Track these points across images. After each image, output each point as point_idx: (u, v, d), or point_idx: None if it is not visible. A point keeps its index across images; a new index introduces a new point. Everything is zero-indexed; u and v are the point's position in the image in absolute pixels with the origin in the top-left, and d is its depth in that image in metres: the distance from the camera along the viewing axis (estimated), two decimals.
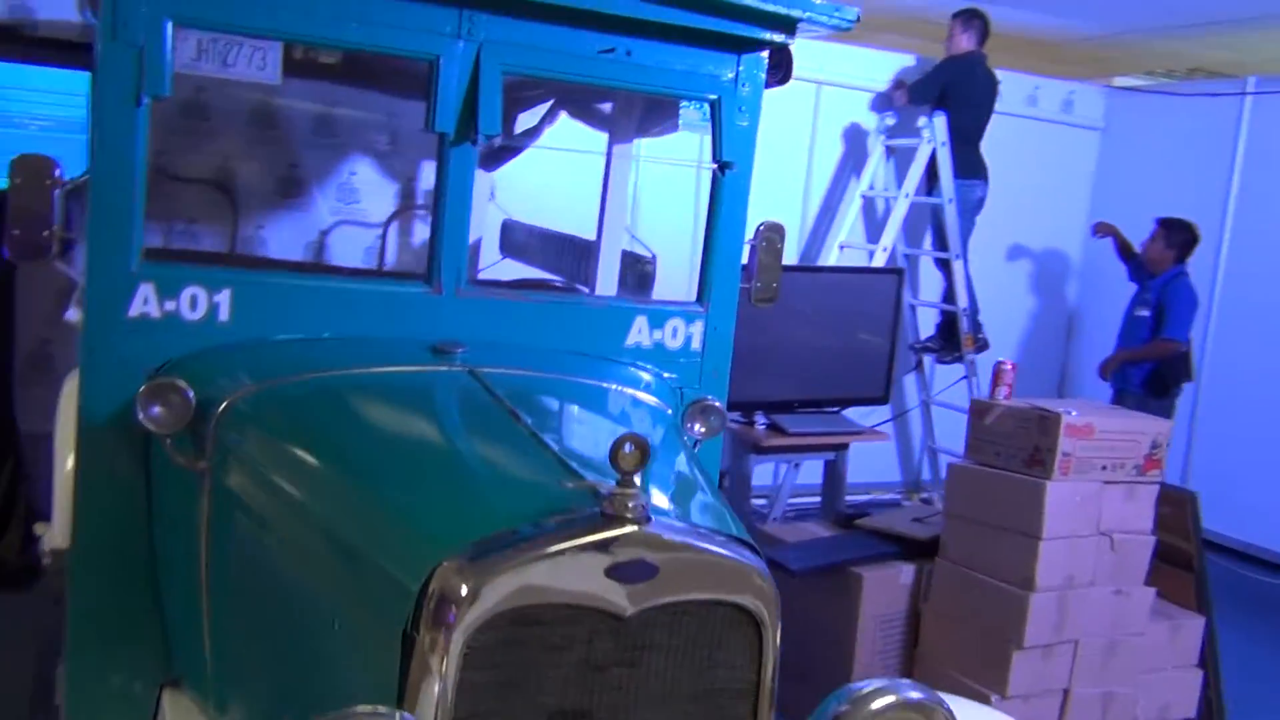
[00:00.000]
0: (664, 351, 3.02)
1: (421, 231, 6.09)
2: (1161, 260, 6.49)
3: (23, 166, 2.48)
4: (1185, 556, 4.10)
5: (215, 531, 2.34)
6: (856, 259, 6.83)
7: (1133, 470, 3.81)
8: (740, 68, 2.97)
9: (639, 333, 2.99)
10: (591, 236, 4.56)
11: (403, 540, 1.75)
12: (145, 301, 2.54)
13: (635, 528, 1.67)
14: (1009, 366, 3.90)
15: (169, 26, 2.44)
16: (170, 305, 2.56)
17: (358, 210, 5.96)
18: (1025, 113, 7.58)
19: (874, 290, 5.64)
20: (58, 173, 2.48)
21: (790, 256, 6.97)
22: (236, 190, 5.56)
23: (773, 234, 3.16)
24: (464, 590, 1.61)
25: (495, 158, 5.42)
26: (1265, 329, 6.85)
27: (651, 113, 3.79)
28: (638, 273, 4.03)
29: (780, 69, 3.05)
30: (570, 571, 1.65)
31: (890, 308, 5.62)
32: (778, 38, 2.90)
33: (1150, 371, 6.46)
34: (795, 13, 2.81)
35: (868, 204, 7.13)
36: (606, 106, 3.99)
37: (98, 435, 2.53)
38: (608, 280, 3.94)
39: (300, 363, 2.51)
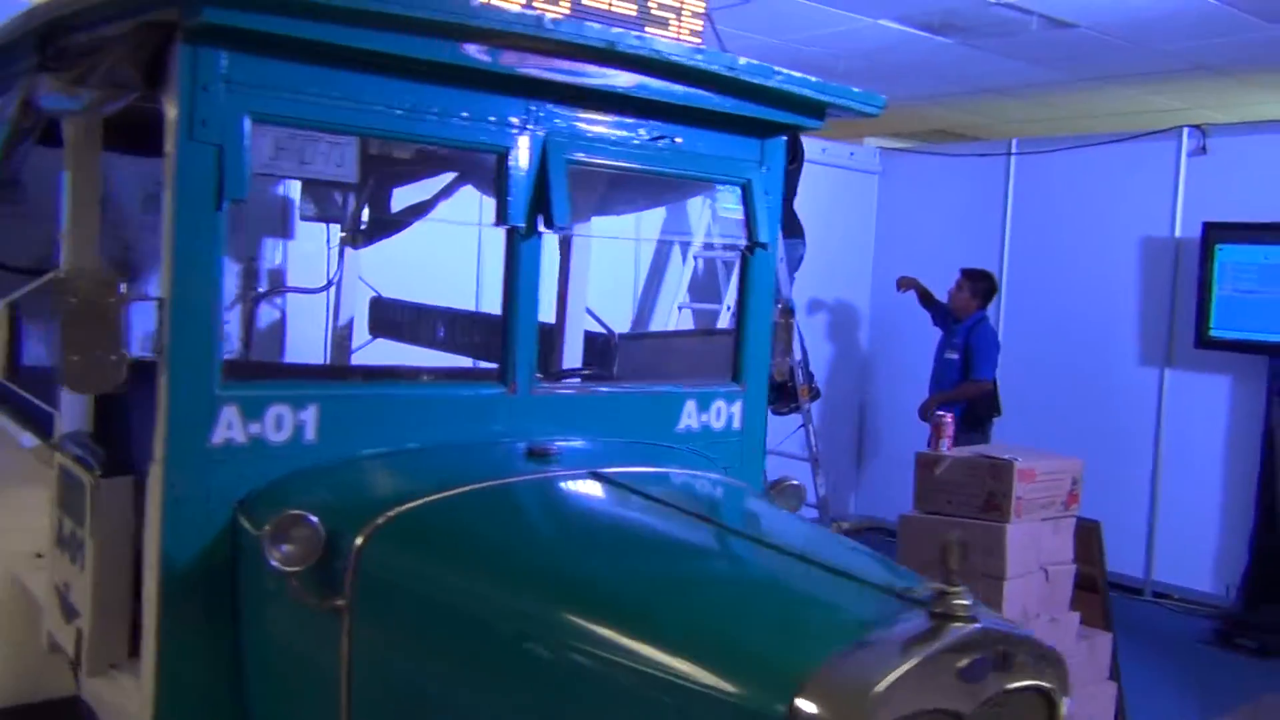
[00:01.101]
0: (709, 433, 3.01)
1: (268, 315, 5.70)
2: (966, 307, 7.09)
3: (76, 281, 2.16)
4: (1091, 580, 4.51)
5: (364, 676, 2.10)
6: (688, 319, 7.04)
7: (1060, 507, 4.16)
8: (765, 151, 3.04)
9: (689, 416, 2.97)
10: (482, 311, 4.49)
11: (744, 668, 1.66)
12: (229, 426, 2.27)
13: (977, 625, 1.69)
14: (948, 419, 4.17)
15: (247, 124, 2.22)
16: (255, 428, 2.30)
17: None
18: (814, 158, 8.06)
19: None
20: (122, 287, 2.18)
21: (623, 322, 7.08)
22: None
23: (787, 314, 3.24)
24: (839, 712, 1.56)
25: (366, 235, 5.17)
26: (1042, 366, 7.61)
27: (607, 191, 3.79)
28: (598, 352, 3.98)
29: (793, 152, 3.16)
30: (928, 679, 1.63)
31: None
32: (806, 123, 3.00)
33: (964, 409, 7.03)
34: (832, 100, 2.92)
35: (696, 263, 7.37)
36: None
37: (184, 581, 2.22)
38: (571, 362, 3.86)
39: (421, 480, 2.32)
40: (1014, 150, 7.82)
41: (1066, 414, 7.36)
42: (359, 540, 2.13)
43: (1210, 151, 6.85)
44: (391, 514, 2.16)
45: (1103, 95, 7.18)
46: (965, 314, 7.11)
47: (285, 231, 5.72)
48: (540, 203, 2.61)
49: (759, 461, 3.15)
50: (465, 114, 2.50)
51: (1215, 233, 6.54)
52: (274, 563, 2.08)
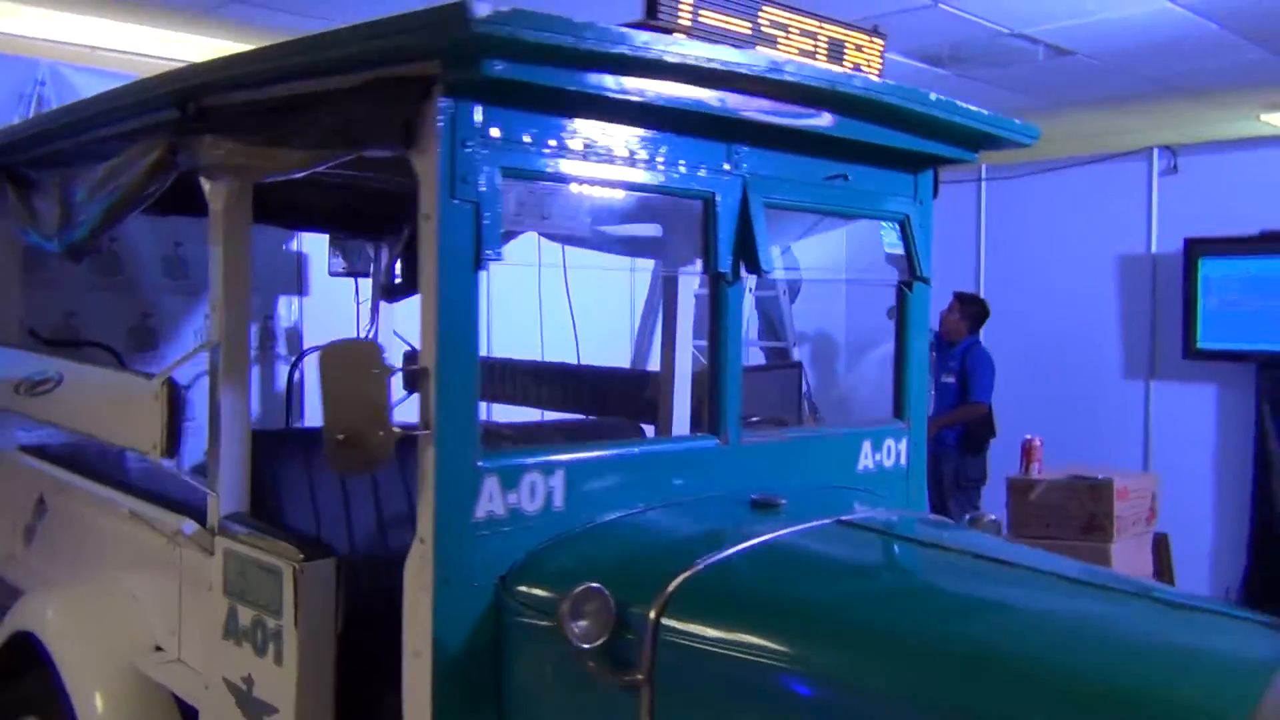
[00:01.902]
0: (883, 472, 2.98)
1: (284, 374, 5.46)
2: (958, 330, 7.22)
3: (340, 356, 2.01)
4: None
5: None
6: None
7: (1144, 523, 4.24)
8: (918, 185, 3.04)
9: (866, 456, 2.93)
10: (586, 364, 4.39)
11: (1187, 714, 1.60)
12: (490, 498, 2.14)
13: None
14: (1037, 443, 4.21)
15: (498, 179, 2.11)
16: (513, 499, 2.17)
17: None
18: None
19: (778, 383, 5.82)
20: (386, 358, 2.04)
21: (623, 357, 7.00)
22: None
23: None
24: None
25: (403, 288, 5.00)
26: (1027, 387, 7.77)
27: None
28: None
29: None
30: None
31: (795, 399, 5.82)
32: (962, 156, 3.00)
33: (962, 432, 7.14)
34: (999, 132, 2.93)
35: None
36: (649, 231, 3.84)
37: (454, 667, 2.08)
38: (682, 410, 3.77)
39: (680, 542, 2.22)
40: (984, 176, 8.03)
41: (1056, 432, 7.50)
42: (652, 612, 2.01)
43: (1181, 170, 7.15)
44: (678, 582, 2.05)
45: (1071, 119, 7.42)
46: (957, 337, 7.23)
47: (300, 288, 5.50)
48: (743, 247, 2.55)
49: (923, 498, 3.12)
50: (682, 161, 2.44)
51: (1197, 247, 6.80)
52: (575, 640, 1.96)
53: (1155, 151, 7.24)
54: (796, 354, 7.08)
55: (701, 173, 2.48)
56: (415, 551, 2.10)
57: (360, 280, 5.21)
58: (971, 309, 7.22)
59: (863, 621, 1.95)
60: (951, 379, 7.18)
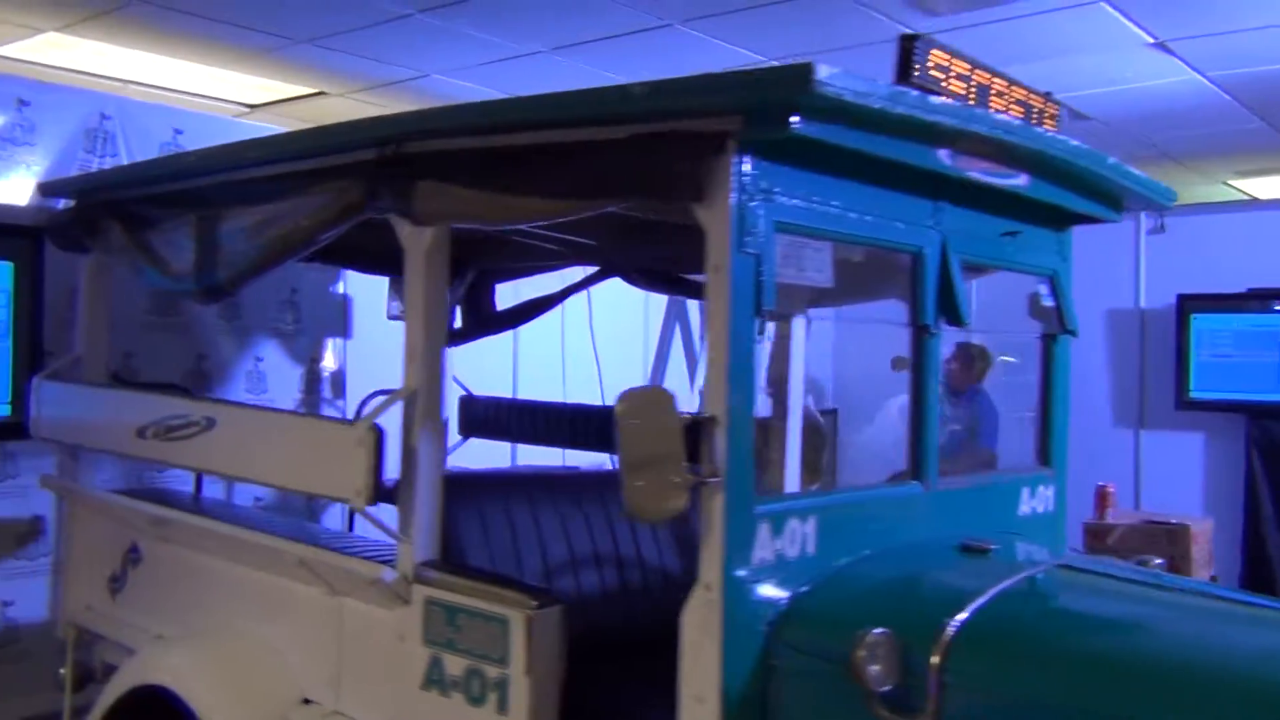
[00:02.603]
0: (1035, 517, 3.07)
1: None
2: (963, 380, 7.43)
3: (637, 402, 2.04)
4: None
5: None
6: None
7: (1208, 565, 4.43)
8: (1063, 242, 3.18)
9: (1024, 501, 3.03)
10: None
11: None
12: (763, 545, 2.17)
13: None
14: (1111, 489, 4.37)
15: (773, 233, 2.17)
16: (779, 544, 2.21)
17: (266, 399, 5.13)
18: None
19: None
20: (676, 405, 2.06)
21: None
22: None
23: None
24: None
25: (463, 333, 4.99)
26: (1020, 438, 8.04)
27: None
28: (815, 445, 3.98)
29: None
30: None
31: (831, 446, 5.92)
32: (1108, 215, 3.15)
33: None
34: (1151, 195, 3.09)
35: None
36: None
37: (740, 709, 2.09)
38: (793, 449, 3.83)
39: (941, 588, 2.28)
40: None
41: None
42: (934, 657, 2.06)
43: (1169, 230, 7.50)
44: (955, 627, 2.10)
45: None
46: (963, 386, 7.44)
47: (344, 331, 5.44)
48: (944, 300, 2.64)
49: (1064, 542, 3.23)
50: (898, 217, 2.53)
51: (1189, 303, 7.14)
52: (870, 684, 2.00)
53: (1142, 214, 7.58)
54: (812, 402, 7.18)
55: (910, 228, 2.57)
56: (700, 598, 2.11)
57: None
58: (976, 359, 7.43)
59: (1154, 664, 2.02)
60: (959, 427, 7.37)
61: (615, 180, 2.19)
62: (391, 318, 5.14)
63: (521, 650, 2.40)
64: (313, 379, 5.31)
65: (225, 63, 5.48)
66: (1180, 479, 7.43)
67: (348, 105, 6.13)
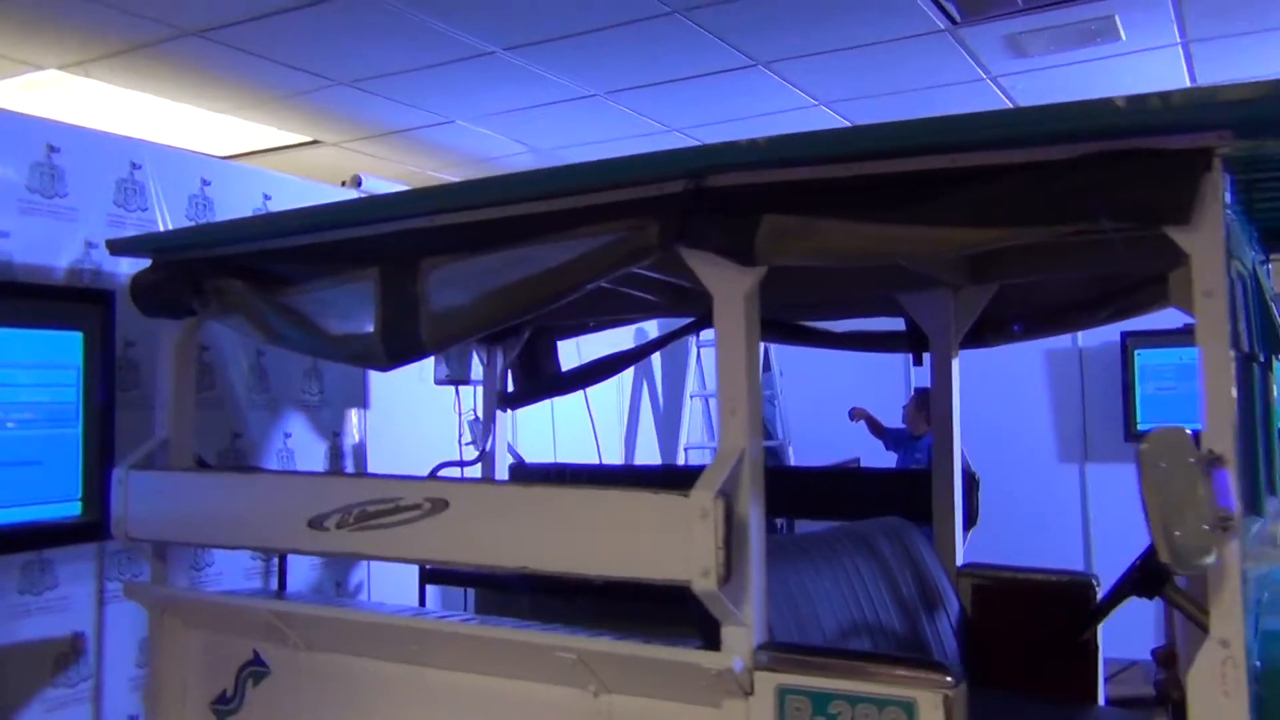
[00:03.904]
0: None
1: None
2: (920, 424, 7.51)
3: (1161, 443, 1.86)
4: None
5: None
6: (699, 458, 6.87)
7: None
8: None
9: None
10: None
11: None
12: None
13: None
14: None
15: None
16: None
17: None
18: None
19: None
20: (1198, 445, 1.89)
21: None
22: None
23: None
24: None
25: (519, 396, 4.63)
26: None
27: None
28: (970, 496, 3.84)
29: None
30: None
31: None
32: None
33: None
34: None
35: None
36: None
37: None
38: (958, 506, 3.69)
39: None
40: None
41: (998, 518, 7.95)
42: None
43: None
44: None
45: None
46: (919, 430, 7.52)
47: (363, 401, 4.95)
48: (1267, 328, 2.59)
49: None
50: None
51: (1132, 340, 7.49)
52: None
53: None
54: (792, 452, 7.10)
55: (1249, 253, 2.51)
56: (1215, 654, 1.93)
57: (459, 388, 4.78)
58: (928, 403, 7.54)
59: None
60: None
61: (1066, 202, 2.01)
62: (439, 382, 4.72)
63: None
64: (335, 454, 4.79)
65: (235, 108, 4.94)
66: (1128, 507, 7.72)
67: (338, 155, 5.65)
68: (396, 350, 2.79)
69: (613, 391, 7.02)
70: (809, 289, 3.77)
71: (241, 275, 3.09)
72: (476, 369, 4.67)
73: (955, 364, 3.69)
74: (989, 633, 3.51)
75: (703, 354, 7.29)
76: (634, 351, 4.50)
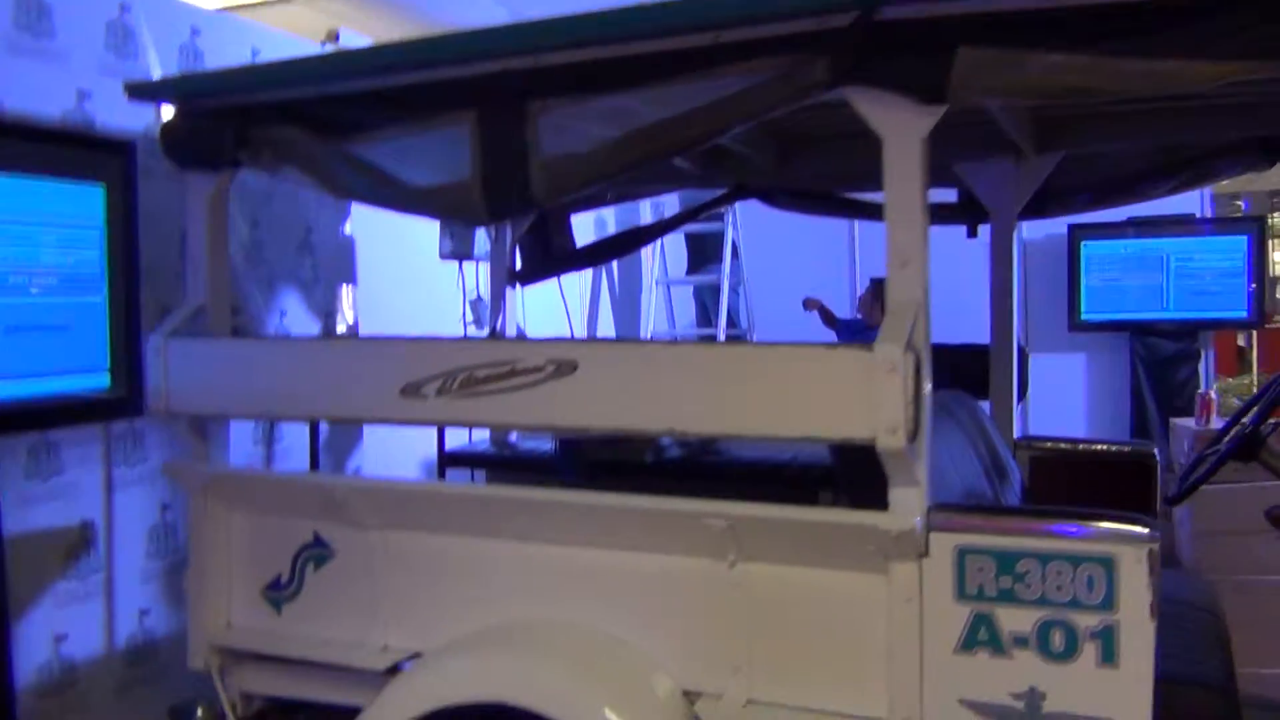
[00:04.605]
0: None
1: None
2: (876, 315, 7.54)
3: None
4: None
5: None
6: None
7: None
8: None
9: None
10: None
11: None
12: None
13: None
14: (1213, 394, 4.51)
15: None
16: None
17: None
18: None
19: None
20: None
21: None
22: None
23: None
24: None
25: (529, 272, 4.37)
26: None
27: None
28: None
29: None
30: None
31: None
32: None
33: None
34: None
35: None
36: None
37: None
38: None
39: None
40: None
41: None
42: None
43: None
44: None
45: None
46: (876, 321, 7.55)
47: (352, 278, 4.64)
48: None
49: None
50: None
51: (1079, 232, 7.61)
52: None
53: None
54: (755, 340, 7.03)
55: None
56: None
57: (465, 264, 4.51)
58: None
59: None
60: None
61: None
62: (444, 257, 4.45)
63: (1144, 590, 2.08)
64: (329, 335, 4.49)
65: None
66: (1067, 396, 7.97)
67: (312, 16, 5.21)
68: (500, 204, 2.55)
69: (574, 277, 6.81)
70: (852, 158, 3.64)
71: (299, 122, 2.78)
72: (481, 244, 4.41)
73: (1015, 237, 3.62)
74: (1049, 503, 3.52)
75: (665, 241, 7.11)
76: (657, 225, 4.29)
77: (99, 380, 2.89)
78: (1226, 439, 2.99)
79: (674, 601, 2.51)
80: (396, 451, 4.56)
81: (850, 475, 2.50)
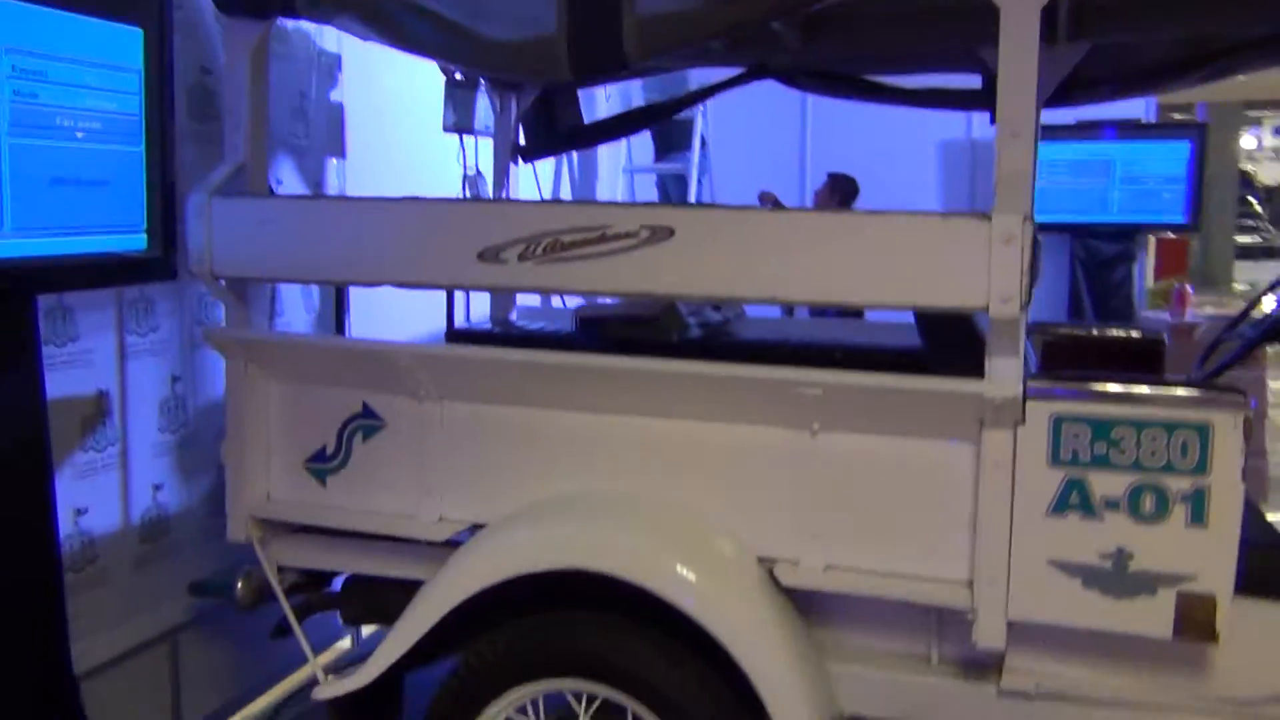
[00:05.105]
0: None
1: None
2: (836, 207, 7.59)
3: None
4: None
5: None
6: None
7: None
8: None
9: None
10: None
11: None
12: None
13: None
14: (1189, 288, 4.68)
15: None
16: None
17: None
18: None
19: None
20: None
21: None
22: None
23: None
24: None
25: (534, 148, 4.25)
26: None
27: None
28: None
29: None
30: None
31: None
32: None
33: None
34: None
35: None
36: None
37: None
38: None
39: None
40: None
41: None
42: None
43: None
44: None
45: None
46: None
47: (341, 150, 4.46)
48: None
49: None
50: None
51: None
52: None
53: None
54: None
55: None
56: None
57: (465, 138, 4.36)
58: (844, 186, 7.60)
59: None
60: None
61: None
62: (447, 130, 4.29)
63: (1236, 455, 2.18)
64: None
65: None
66: None
67: None
68: (587, 60, 2.46)
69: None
70: (875, 40, 3.61)
71: None
72: (483, 116, 4.27)
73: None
74: None
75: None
76: (671, 103, 4.21)
77: (136, 241, 2.73)
78: (1253, 325, 3.12)
79: (748, 471, 2.54)
80: (393, 329, 4.45)
81: (938, 346, 2.54)
